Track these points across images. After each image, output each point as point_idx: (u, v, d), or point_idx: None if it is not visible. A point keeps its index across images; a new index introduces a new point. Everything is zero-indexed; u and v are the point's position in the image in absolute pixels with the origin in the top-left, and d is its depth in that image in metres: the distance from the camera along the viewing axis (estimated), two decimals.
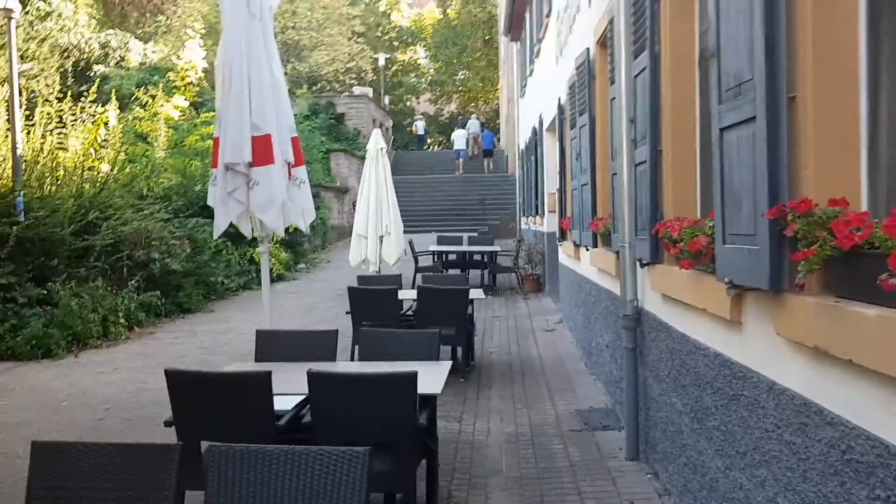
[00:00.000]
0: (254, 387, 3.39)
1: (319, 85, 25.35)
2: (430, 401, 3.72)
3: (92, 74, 22.36)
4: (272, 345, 4.71)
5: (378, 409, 3.39)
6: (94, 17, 26.23)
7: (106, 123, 11.85)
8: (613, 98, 5.28)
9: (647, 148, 4.32)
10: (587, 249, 6.88)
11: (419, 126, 38.50)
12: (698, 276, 3.36)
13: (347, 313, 7.41)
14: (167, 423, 3.58)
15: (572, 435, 5.47)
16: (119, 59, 23.54)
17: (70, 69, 20.51)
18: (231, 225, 5.88)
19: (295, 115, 20.33)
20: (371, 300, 7.30)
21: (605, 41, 6.23)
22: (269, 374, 3.38)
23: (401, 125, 44.52)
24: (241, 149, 5.64)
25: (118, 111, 12.11)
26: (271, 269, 14.70)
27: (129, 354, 8.89)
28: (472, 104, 46.66)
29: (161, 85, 14.49)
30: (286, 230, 6.44)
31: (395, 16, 47.05)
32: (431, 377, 3.85)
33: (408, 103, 47.57)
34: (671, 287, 3.94)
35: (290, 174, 6.04)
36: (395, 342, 4.63)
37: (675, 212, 4.08)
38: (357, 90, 30.27)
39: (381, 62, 33.92)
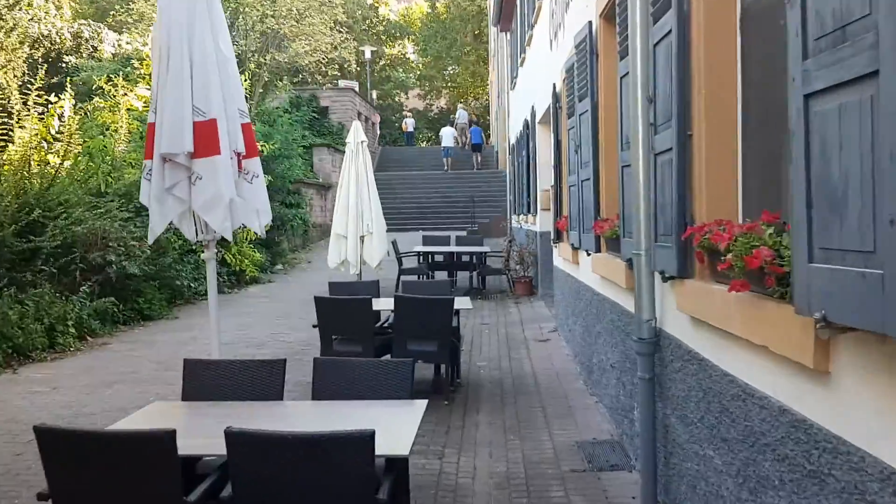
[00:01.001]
0: (152, 451, 2.49)
1: (301, 77, 24.32)
2: (395, 465, 2.82)
3: (63, 66, 21.32)
4: (204, 378, 3.80)
5: (321, 484, 2.50)
6: (76, 10, 25.15)
7: (61, 115, 10.86)
8: (624, 75, 4.40)
9: (672, 132, 3.43)
10: (588, 254, 6.01)
11: (408, 123, 38.09)
12: (757, 302, 2.48)
13: (315, 326, 6.50)
14: (41, 497, 2.67)
15: (574, 477, 4.59)
16: (92, 49, 22.48)
17: (40, 60, 19.46)
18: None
19: (276, 107, 19.19)
20: (342, 311, 6.39)
21: (609, 13, 5.35)
22: (172, 435, 2.48)
23: (389, 121, 43.62)
24: (181, 137, 4.77)
25: (73, 102, 11.10)
26: (244, 271, 13.82)
27: (76, 369, 7.94)
28: (462, 100, 45.78)
29: (122, 74, 13.46)
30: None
31: (382, 10, 46.13)
32: (399, 429, 2.96)
33: (396, 99, 46.66)
34: (709, 311, 3.06)
35: (239, 167, 5.15)
36: (358, 374, 3.73)
37: (709, 213, 3.21)
38: (342, 84, 29.31)
39: (368, 55, 32.93)
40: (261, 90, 19.83)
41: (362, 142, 12.68)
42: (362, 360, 4.11)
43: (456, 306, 6.52)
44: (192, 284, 11.91)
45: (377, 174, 29.39)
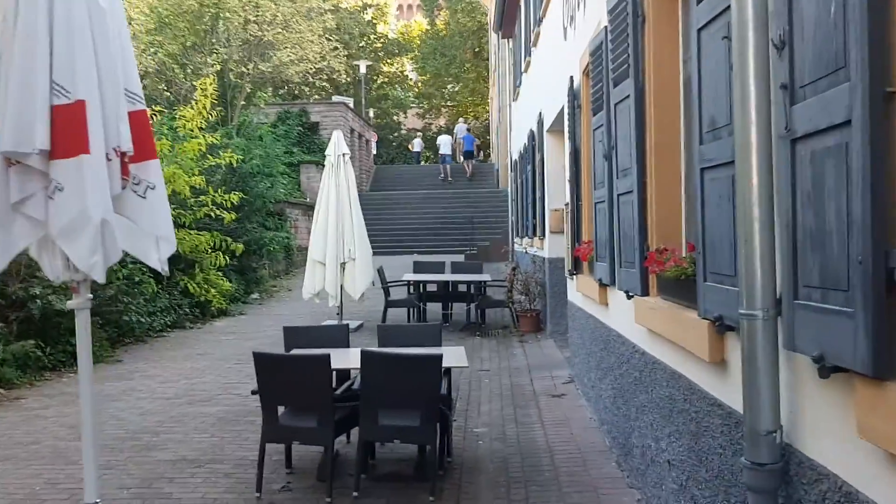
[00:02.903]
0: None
1: (287, 88, 22.77)
2: None
3: None
4: None
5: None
6: None
7: None
8: (704, 25, 2.75)
9: (846, 96, 1.77)
10: (629, 296, 4.31)
11: (416, 143, 38.14)
12: None
13: (254, 393, 4.79)
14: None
15: None
16: None
17: None
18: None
19: (262, 123, 17.46)
20: (289, 373, 4.69)
21: None
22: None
23: (386, 140, 42.19)
24: (31, 128, 3.14)
25: None
26: (209, 302, 12.11)
27: None
28: (462, 119, 44.45)
29: None
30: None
31: (381, 28, 44.91)
32: None
33: (394, 117, 45.28)
34: None
35: (124, 173, 3.49)
36: None
37: None
38: (336, 99, 27.83)
39: (363, 70, 31.48)
40: (243, 102, 18.26)
41: (344, 154, 11.07)
42: None
43: (446, 363, 4.81)
44: (143, 319, 10.19)
45: (370, 193, 28.04)
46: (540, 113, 10.76)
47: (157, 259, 3.65)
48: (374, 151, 32.62)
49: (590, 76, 5.73)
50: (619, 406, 5.04)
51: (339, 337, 5.76)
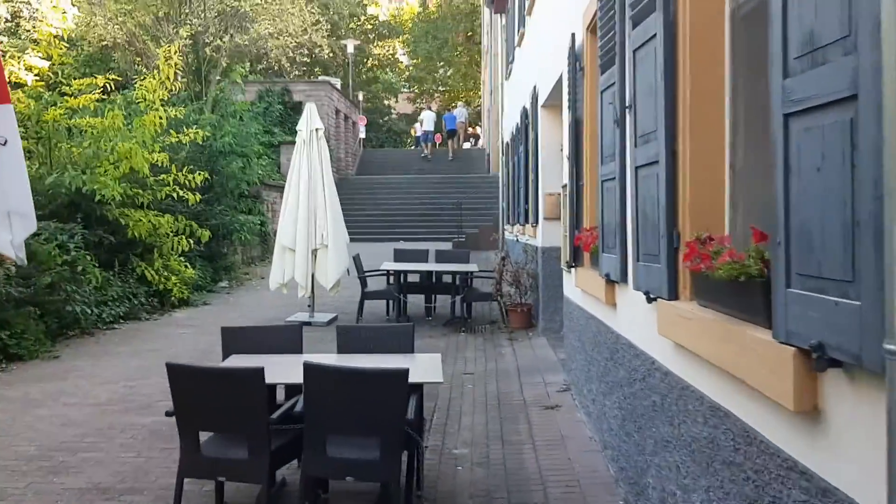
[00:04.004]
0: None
1: (266, 63, 21.58)
2: None
3: None
4: None
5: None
6: None
7: None
8: None
9: None
10: (651, 299, 3.32)
11: (418, 128, 37.03)
12: None
13: (169, 415, 3.77)
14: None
15: None
16: None
17: None
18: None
19: (243, 100, 16.16)
20: (215, 390, 3.68)
21: None
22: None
23: (376, 124, 41.07)
24: None
25: None
26: (169, 291, 11.06)
27: None
28: (453, 105, 43.39)
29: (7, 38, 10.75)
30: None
31: (372, 10, 43.67)
32: None
33: (385, 101, 44.12)
34: None
35: None
36: None
37: None
38: (322, 79, 26.66)
39: (350, 49, 30.30)
40: (218, 77, 17.13)
41: (317, 129, 10.02)
42: None
43: (415, 379, 3.81)
44: (90, 310, 9.14)
45: (357, 177, 26.97)
46: (534, 87, 9.75)
47: (10, 242, 2.64)
48: (363, 135, 31.52)
49: (597, 30, 4.72)
50: (630, 433, 4.06)
51: (291, 340, 4.75)
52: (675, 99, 3.03)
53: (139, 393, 6.74)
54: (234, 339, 4.66)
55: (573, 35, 5.80)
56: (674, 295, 3.05)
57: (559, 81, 7.33)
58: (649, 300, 3.32)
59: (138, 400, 6.49)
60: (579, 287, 5.73)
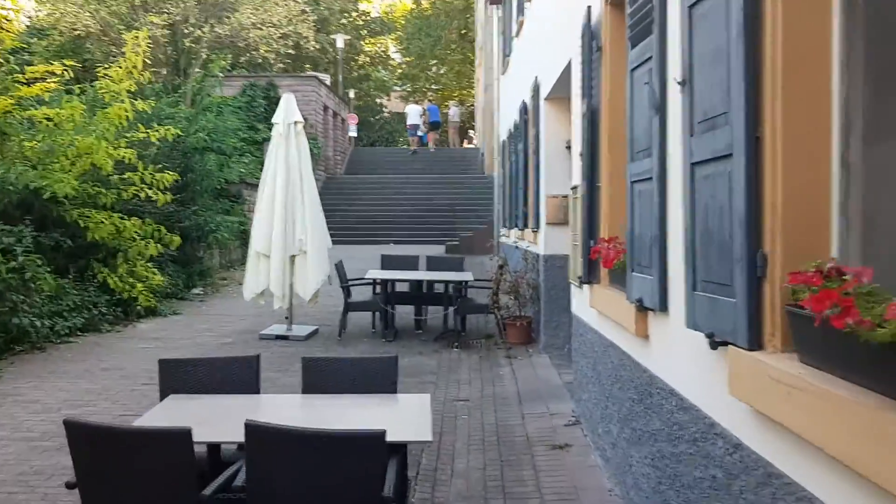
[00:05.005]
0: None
1: (248, 56, 20.56)
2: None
3: None
4: None
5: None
6: None
7: None
8: None
9: None
10: (717, 344, 2.43)
11: (411, 113, 36.64)
12: None
13: (70, 487, 2.85)
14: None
15: None
16: None
17: None
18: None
19: (220, 94, 15.10)
20: (127, 456, 2.77)
21: None
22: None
23: (367, 122, 40.12)
24: None
25: None
26: (134, 299, 10.11)
27: None
28: (447, 103, 42.56)
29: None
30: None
31: (364, 6, 42.77)
32: None
33: (377, 100, 43.20)
34: None
35: None
36: None
37: None
38: (310, 75, 25.70)
39: (340, 44, 29.35)
40: (198, 70, 16.17)
41: (296, 122, 9.11)
42: None
43: (394, 437, 2.92)
44: (42, 322, 8.19)
45: (345, 177, 26.02)
46: (535, 79, 8.86)
47: None
48: (354, 134, 30.55)
49: None
50: (670, 500, 3.17)
51: (244, 376, 3.84)
52: (759, 64, 2.15)
53: (93, 413, 5.80)
54: (174, 376, 3.76)
55: (588, 8, 4.91)
56: (756, 343, 2.17)
57: (566, 69, 6.45)
58: (714, 345, 2.43)
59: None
60: (595, 308, 4.84)
